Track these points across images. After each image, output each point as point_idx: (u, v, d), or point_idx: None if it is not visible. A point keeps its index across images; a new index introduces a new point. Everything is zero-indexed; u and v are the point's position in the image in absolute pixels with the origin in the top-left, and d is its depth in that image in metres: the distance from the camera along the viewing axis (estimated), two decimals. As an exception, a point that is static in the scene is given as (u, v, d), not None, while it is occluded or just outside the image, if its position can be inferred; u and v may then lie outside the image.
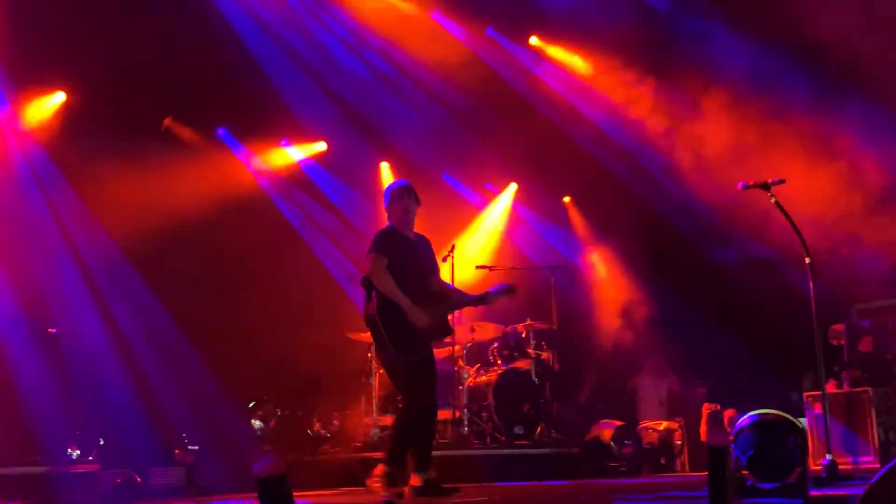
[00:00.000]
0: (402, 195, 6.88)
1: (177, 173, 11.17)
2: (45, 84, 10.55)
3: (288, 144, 12.50)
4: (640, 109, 11.80)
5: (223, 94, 11.44)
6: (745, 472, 4.87)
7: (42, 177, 10.52)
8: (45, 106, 10.72)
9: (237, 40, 11.21)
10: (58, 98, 10.73)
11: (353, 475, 8.85)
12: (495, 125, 12.29)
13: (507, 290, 6.90)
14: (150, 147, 11.08)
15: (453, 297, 7.15)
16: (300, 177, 12.59)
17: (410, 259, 6.70)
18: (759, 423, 4.95)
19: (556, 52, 12.20)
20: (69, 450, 8.92)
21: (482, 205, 13.43)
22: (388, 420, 10.04)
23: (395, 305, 6.42)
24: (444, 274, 9.76)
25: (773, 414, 5.00)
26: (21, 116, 10.56)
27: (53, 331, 8.52)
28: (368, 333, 9.95)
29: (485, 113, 12.30)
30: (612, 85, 11.92)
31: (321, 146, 12.60)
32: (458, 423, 9.67)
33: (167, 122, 11.50)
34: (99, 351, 9.89)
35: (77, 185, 10.67)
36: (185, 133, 11.68)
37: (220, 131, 12.07)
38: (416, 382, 6.52)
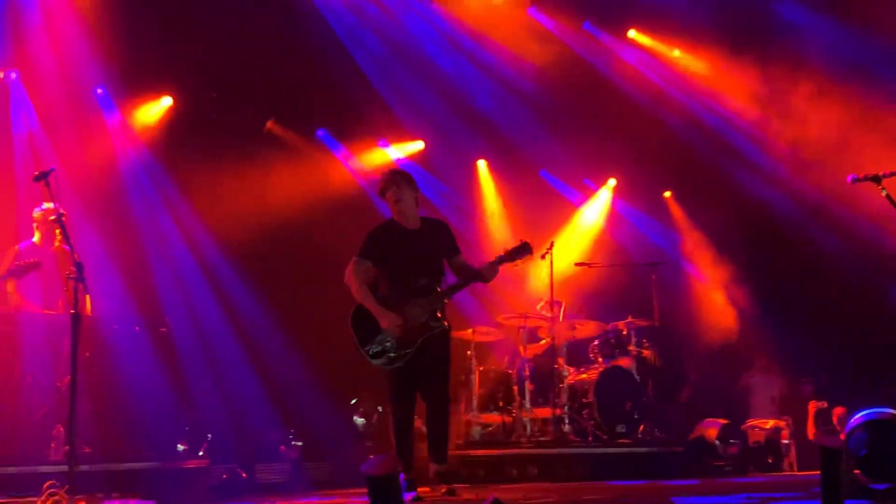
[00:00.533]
0: (386, 187, 6.58)
1: (278, 174, 11.39)
2: (152, 89, 10.86)
3: (386, 144, 12.60)
4: (741, 100, 11.56)
5: (323, 96, 11.59)
6: (857, 472, 4.72)
7: (150, 179, 10.82)
8: (153, 110, 11.05)
9: (336, 42, 11.35)
10: (165, 102, 11.04)
11: (455, 472, 8.87)
12: (593, 121, 12.16)
13: (520, 249, 6.60)
14: (252, 149, 11.31)
15: (457, 282, 6.69)
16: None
17: (398, 254, 6.45)
18: (873, 421, 4.80)
19: (655, 44, 12.03)
20: (178, 446, 9.14)
21: (581, 201, 13.31)
22: (489, 418, 10.06)
23: (367, 310, 6.44)
24: (543, 272, 9.74)
25: (888, 412, 4.84)
26: (130, 121, 10.89)
27: (163, 329, 8.73)
28: (468, 331, 10.10)
29: (582, 108, 12.19)
30: (713, 76, 11.71)
31: (418, 145, 12.67)
32: (558, 421, 9.60)
33: (269, 124, 11.72)
34: (206, 349, 10.13)
35: (183, 187, 10.95)
36: (286, 135, 11.88)
37: (320, 132, 12.25)
38: (391, 391, 6.47)
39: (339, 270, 11.29)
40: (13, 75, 10.05)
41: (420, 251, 6.49)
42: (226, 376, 10.18)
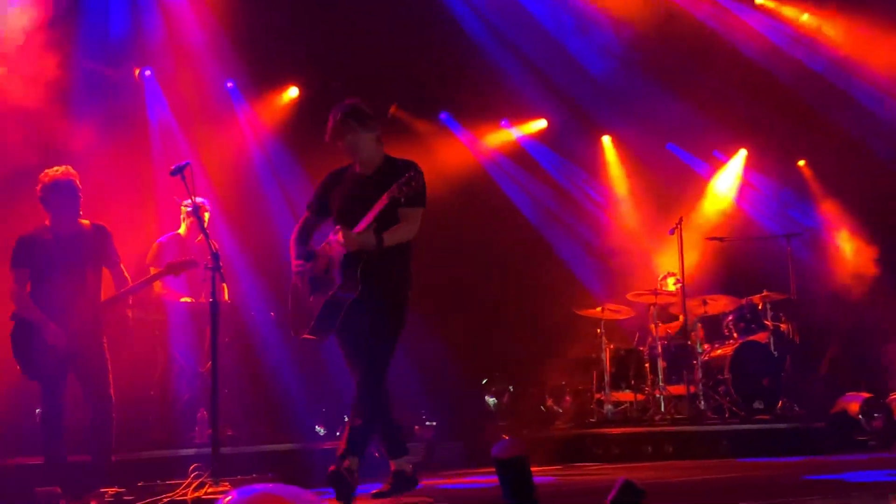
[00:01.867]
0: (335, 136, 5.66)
1: (403, 157, 11.47)
2: (279, 81, 11.12)
3: (508, 125, 12.57)
4: (876, 62, 11.08)
5: (444, 79, 11.62)
6: None
7: (279, 169, 11.08)
8: (281, 101, 11.31)
9: (457, 23, 11.36)
10: (291, 93, 11.29)
11: (588, 451, 8.85)
12: (720, 90, 11.84)
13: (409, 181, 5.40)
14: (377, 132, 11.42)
15: None
16: (522, 155, 12.61)
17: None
18: None
19: (783, 8, 11.63)
20: (317, 427, 9.38)
21: (710, 174, 13.01)
22: (621, 396, 9.99)
23: None
24: (673, 247, 9.60)
25: None
26: (259, 113, 11.17)
27: (273, 314, 8.98)
28: (597, 309, 10.03)
29: (708, 78, 11.87)
30: (846, 39, 11.25)
31: (541, 124, 12.59)
32: (693, 398, 9.46)
33: (392, 109, 11.83)
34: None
35: (310, 176, 11.16)
36: (409, 119, 11.98)
37: (443, 115, 12.31)
38: None
39: (467, 251, 11.49)
40: (147, 73, 10.44)
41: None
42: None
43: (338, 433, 9.21)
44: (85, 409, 6.48)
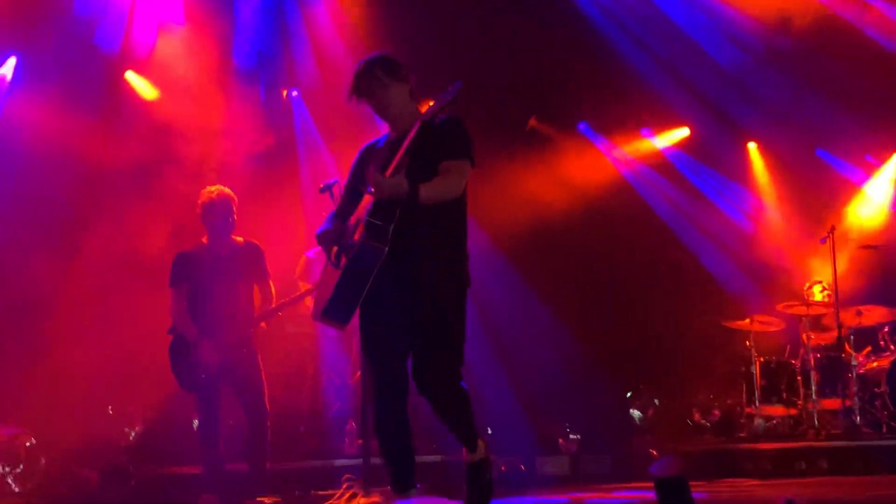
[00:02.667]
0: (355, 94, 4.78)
1: (543, 169, 11.49)
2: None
3: (649, 133, 12.41)
4: None
5: (582, 89, 11.55)
6: None
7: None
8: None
9: (593, 32, 11.28)
10: (429, 108, 11.42)
11: (738, 467, 8.63)
12: (871, 91, 11.38)
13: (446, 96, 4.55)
14: (516, 145, 11.46)
15: None
16: (664, 164, 12.42)
17: None
18: None
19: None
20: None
21: (863, 179, 12.51)
22: (772, 410, 9.71)
23: None
24: (824, 257, 9.29)
25: None
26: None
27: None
28: (746, 321, 9.78)
29: (857, 79, 11.43)
30: None
31: (683, 132, 12.37)
32: (848, 412, 9.12)
33: (532, 121, 11.85)
34: (480, 344, 10.38)
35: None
36: (548, 130, 11.97)
37: (582, 126, 12.24)
38: None
39: (610, 263, 11.38)
40: (294, 93, 10.77)
41: None
42: (502, 372, 10.39)
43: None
44: (241, 420, 6.72)
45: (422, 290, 4.51)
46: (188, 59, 9.27)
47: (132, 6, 9.61)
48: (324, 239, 4.78)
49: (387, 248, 4.43)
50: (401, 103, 4.79)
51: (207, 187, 6.74)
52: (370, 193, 4.46)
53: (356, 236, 4.55)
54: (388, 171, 4.42)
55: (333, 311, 4.58)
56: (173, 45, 9.57)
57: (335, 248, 4.69)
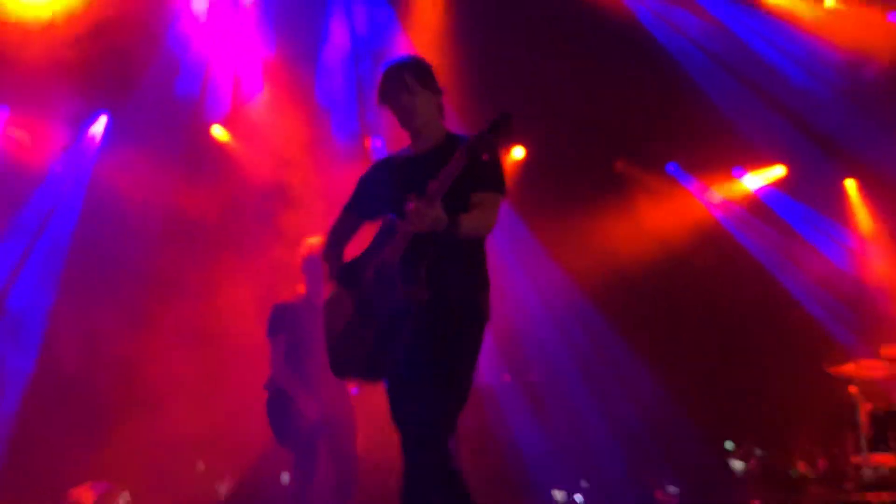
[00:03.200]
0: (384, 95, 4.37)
1: (632, 212, 11.29)
2: (508, 142, 11.19)
3: (742, 173, 12.08)
4: None
5: (671, 129, 11.33)
6: None
7: (509, 229, 11.12)
8: (507, 161, 11.40)
9: (681, 69, 11.08)
10: (517, 153, 11.37)
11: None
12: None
13: (497, 126, 3.96)
14: (604, 189, 11.28)
15: None
16: (758, 204, 12.07)
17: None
18: None
19: None
20: (553, 491, 9.21)
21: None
22: (882, 459, 9.24)
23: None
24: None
25: None
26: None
27: (532, 378, 8.89)
28: (850, 366, 9.36)
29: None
30: None
31: (778, 171, 12.01)
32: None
33: (619, 164, 11.68)
34: (576, 395, 10.17)
35: (536, 232, 11.14)
36: (636, 172, 11.77)
37: (670, 166, 11.99)
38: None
39: (704, 306, 11.04)
40: (378, 143, 10.79)
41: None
42: (599, 422, 10.14)
43: (575, 499, 9.01)
44: (328, 469, 6.60)
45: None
46: (272, 115, 9.36)
47: (211, 63, 9.79)
48: (348, 280, 4.27)
49: (427, 298, 3.99)
50: (428, 116, 4.34)
51: (310, 238, 6.72)
52: (400, 223, 4.00)
53: (370, 272, 4.11)
54: (421, 199, 3.90)
55: (364, 368, 4.15)
56: (257, 101, 9.71)
57: (348, 295, 4.22)
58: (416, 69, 4.33)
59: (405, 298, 3.98)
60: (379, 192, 4.31)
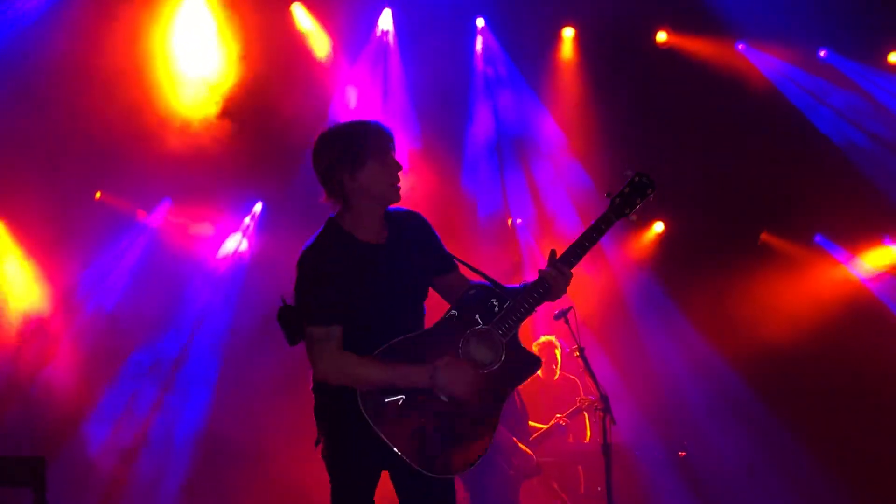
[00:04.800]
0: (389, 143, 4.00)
1: (777, 285, 11.08)
2: (647, 220, 11.27)
3: (891, 241, 11.71)
4: None
5: (816, 198, 11.11)
6: None
7: (652, 304, 11.08)
8: (647, 236, 11.44)
9: (821, 136, 10.91)
10: (657, 228, 11.38)
11: None
12: None
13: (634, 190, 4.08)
14: (748, 261, 11.11)
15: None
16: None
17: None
18: None
19: None
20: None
21: None
22: None
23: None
24: None
25: None
26: (626, 249, 11.33)
27: (683, 454, 8.77)
28: None
29: None
30: None
31: (931, 236, 11.61)
32: None
33: (763, 236, 11.53)
34: (726, 470, 9.95)
35: (683, 307, 11.04)
36: (782, 244, 11.59)
37: (818, 237, 11.74)
38: None
39: (855, 378, 10.65)
40: (518, 221, 10.99)
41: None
42: (748, 497, 9.88)
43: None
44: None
45: None
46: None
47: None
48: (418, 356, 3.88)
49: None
50: None
51: None
52: (522, 294, 3.95)
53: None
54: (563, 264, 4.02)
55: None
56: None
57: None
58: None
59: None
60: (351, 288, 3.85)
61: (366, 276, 3.85)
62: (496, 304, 3.94)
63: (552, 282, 3.93)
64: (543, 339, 8.76)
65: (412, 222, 4.09)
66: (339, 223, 3.95)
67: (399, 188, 3.97)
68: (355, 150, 3.87)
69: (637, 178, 4.09)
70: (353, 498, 3.80)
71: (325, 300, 3.78)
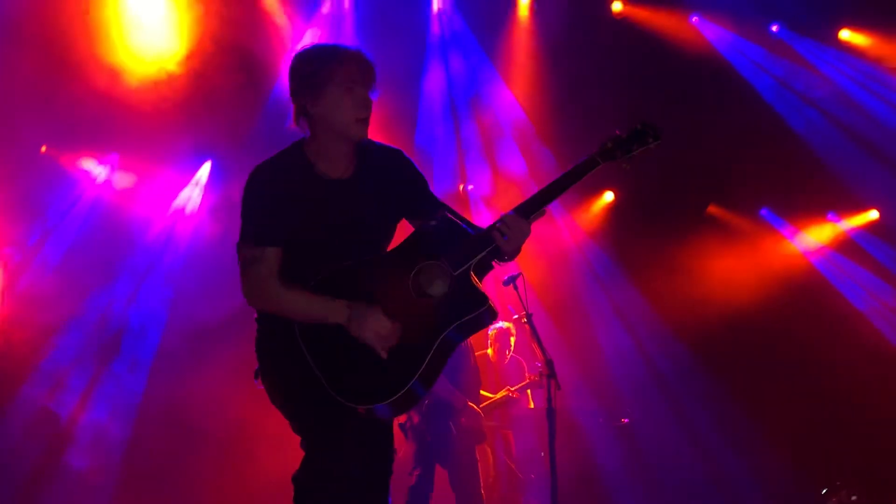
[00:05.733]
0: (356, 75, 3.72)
1: (723, 257, 11.23)
2: (595, 188, 11.33)
3: (836, 218, 11.91)
4: None
5: (763, 173, 11.27)
6: None
7: (600, 273, 11.18)
8: (597, 205, 11.52)
9: (773, 114, 11.04)
10: (607, 197, 11.46)
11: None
12: None
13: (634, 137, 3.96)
14: (695, 233, 11.25)
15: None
16: (854, 249, 11.87)
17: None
18: None
19: None
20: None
21: None
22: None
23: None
24: None
25: None
26: (576, 218, 11.40)
27: (626, 420, 8.91)
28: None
29: None
30: None
31: (872, 215, 11.84)
32: None
33: (711, 207, 11.66)
34: (668, 437, 10.13)
35: (631, 278, 11.17)
36: (728, 216, 11.73)
37: (763, 211, 11.91)
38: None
39: (798, 352, 10.89)
40: (470, 187, 11.02)
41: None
42: (691, 464, 10.08)
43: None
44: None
45: None
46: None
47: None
48: (352, 291, 3.66)
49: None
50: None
51: None
52: (475, 237, 3.71)
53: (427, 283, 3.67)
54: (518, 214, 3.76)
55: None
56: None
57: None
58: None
59: (479, 313, 3.65)
60: (300, 213, 3.68)
61: (313, 208, 3.64)
62: (455, 239, 3.68)
63: (501, 232, 3.65)
64: (502, 323, 8.75)
65: (392, 162, 3.87)
66: (303, 149, 3.75)
67: (366, 123, 3.72)
68: (318, 74, 3.65)
69: (640, 126, 3.90)
70: (321, 423, 3.54)
71: (262, 219, 3.61)
